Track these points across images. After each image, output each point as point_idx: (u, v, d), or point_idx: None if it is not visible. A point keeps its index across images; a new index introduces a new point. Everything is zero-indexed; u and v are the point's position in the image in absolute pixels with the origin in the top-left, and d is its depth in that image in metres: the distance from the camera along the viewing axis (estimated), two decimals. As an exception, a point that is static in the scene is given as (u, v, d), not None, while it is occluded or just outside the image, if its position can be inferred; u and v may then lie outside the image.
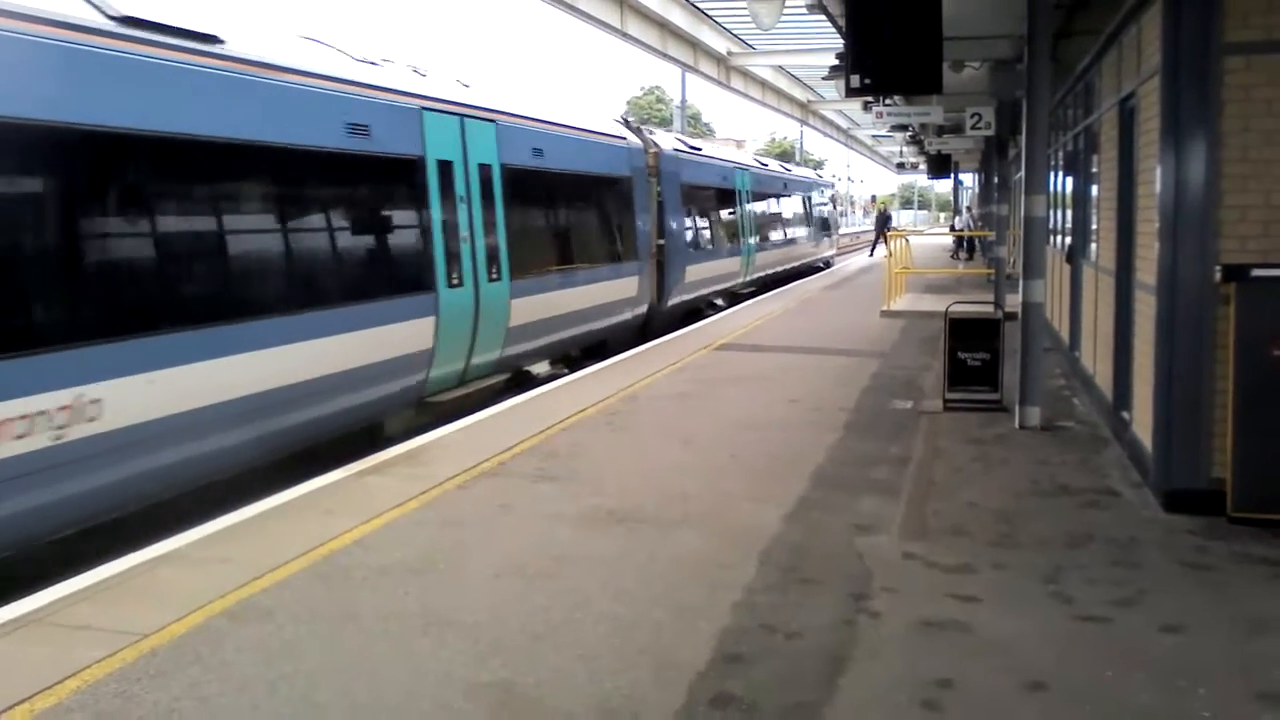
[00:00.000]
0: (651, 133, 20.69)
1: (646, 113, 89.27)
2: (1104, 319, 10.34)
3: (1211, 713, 4.54)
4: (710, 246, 23.58)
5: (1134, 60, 8.87)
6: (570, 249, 15.54)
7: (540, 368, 15.38)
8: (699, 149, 23.90)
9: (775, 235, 31.41)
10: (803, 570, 6.29)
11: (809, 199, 37.61)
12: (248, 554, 6.62)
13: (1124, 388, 9.21)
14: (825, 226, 40.99)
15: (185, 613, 5.66)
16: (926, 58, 8.92)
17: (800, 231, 35.35)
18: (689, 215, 21.67)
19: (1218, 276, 7.08)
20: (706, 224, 23.63)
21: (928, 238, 53.96)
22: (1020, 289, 10.64)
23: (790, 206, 34.40)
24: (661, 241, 19.25)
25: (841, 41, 9.94)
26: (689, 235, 21.55)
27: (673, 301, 20.24)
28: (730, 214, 25.92)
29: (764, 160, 33.92)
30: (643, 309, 18.36)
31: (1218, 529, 6.90)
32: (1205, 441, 7.20)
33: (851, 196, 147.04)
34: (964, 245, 40.33)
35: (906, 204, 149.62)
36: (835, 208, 47.80)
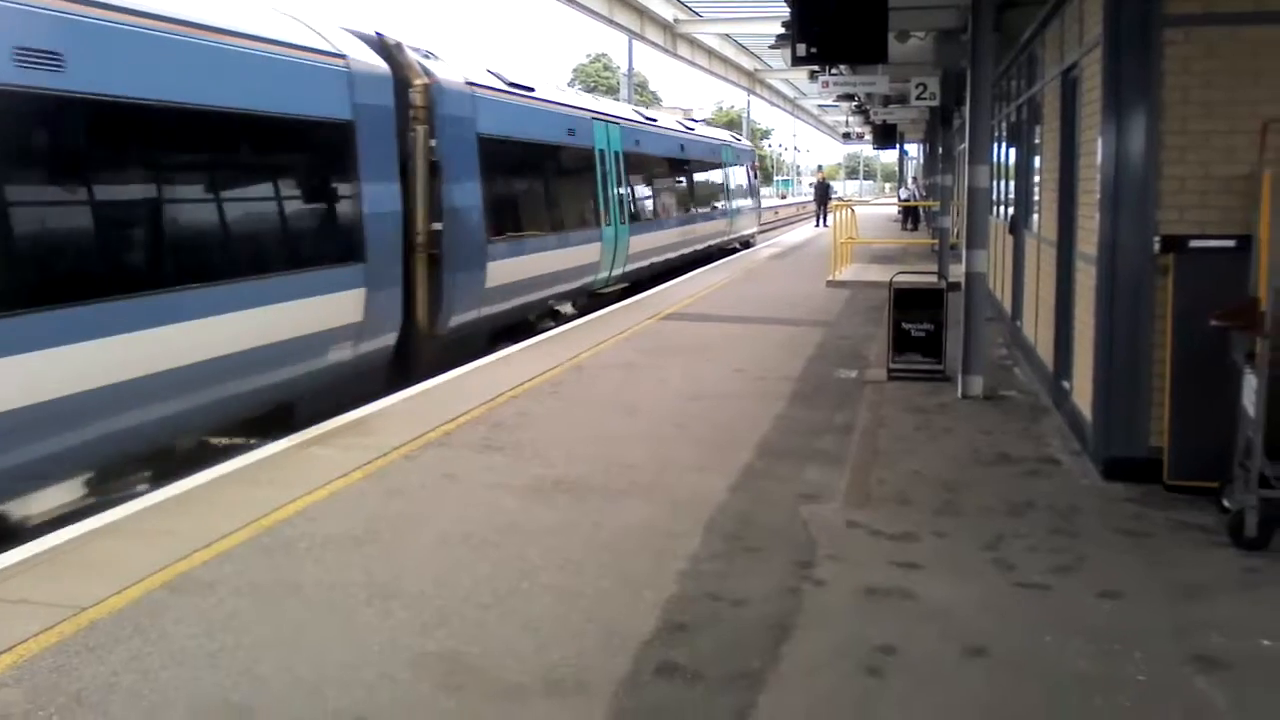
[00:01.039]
0: (428, 56, 13.11)
1: (594, 80, 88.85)
2: (1045, 289, 10.46)
3: (1146, 676, 4.62)
4: (542, 231, 16.30)
5: (1076, 32, 8.93)
6: (165, 251, 8.45)
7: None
8: (528, 89, 16.44)
9: (664, 213, 24.20)
10: (748, 539, 6.32)
11: (720, 165, 31.28)
12: (189, 526, 6.53)
13: (1064, 357, 9.33)
14: (744, 199, 34.73)
15: (125, 585, 5.58)
16: (872, 27, 8.96)
17: (706, 207, 28.74)
18: (497, 185, 14.51)
19: (1156, 247, 7.16)
20: (536, 198, 16.85)
21: (874, 208, 54.30)
22: (964, 259, 10.73)
23: (691, 174, 27.44)
24: (438, 226, 12.29)
25: (788, 10, 9.92)
26: (495, 216, 14.21)
27: (460, 320, 13.09)
28: (584, 184, 18.94)
29: (649, 115, 26.18)
30: (383, 340, 11.39)
31: (1155, 497, 7.02)
32: (1143, 411, 7.31)
33: (798, 166, 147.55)
34: (909, 216, 40.64)
35: (852, 174, 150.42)
36: (756, 176, 39.24)
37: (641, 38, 26.83)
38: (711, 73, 34.36)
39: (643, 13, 25.43)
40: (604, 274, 19.57)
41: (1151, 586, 5.62)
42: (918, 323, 11.30)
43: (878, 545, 6.25)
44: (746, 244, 35.09)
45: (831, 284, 20.67)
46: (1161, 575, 5.78)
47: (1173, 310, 7.01)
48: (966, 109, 11.12)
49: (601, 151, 19.54)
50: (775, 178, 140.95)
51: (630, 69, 47.54)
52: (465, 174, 13.28)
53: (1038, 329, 11.07)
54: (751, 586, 5.61)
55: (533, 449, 8.38)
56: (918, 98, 19.34)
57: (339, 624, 5.16)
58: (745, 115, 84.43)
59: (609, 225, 19.55)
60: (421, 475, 7.70)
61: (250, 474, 7.74)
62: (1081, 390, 8.29)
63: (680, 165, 26.21)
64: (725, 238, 31.11)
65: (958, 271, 11.97)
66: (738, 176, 33.61)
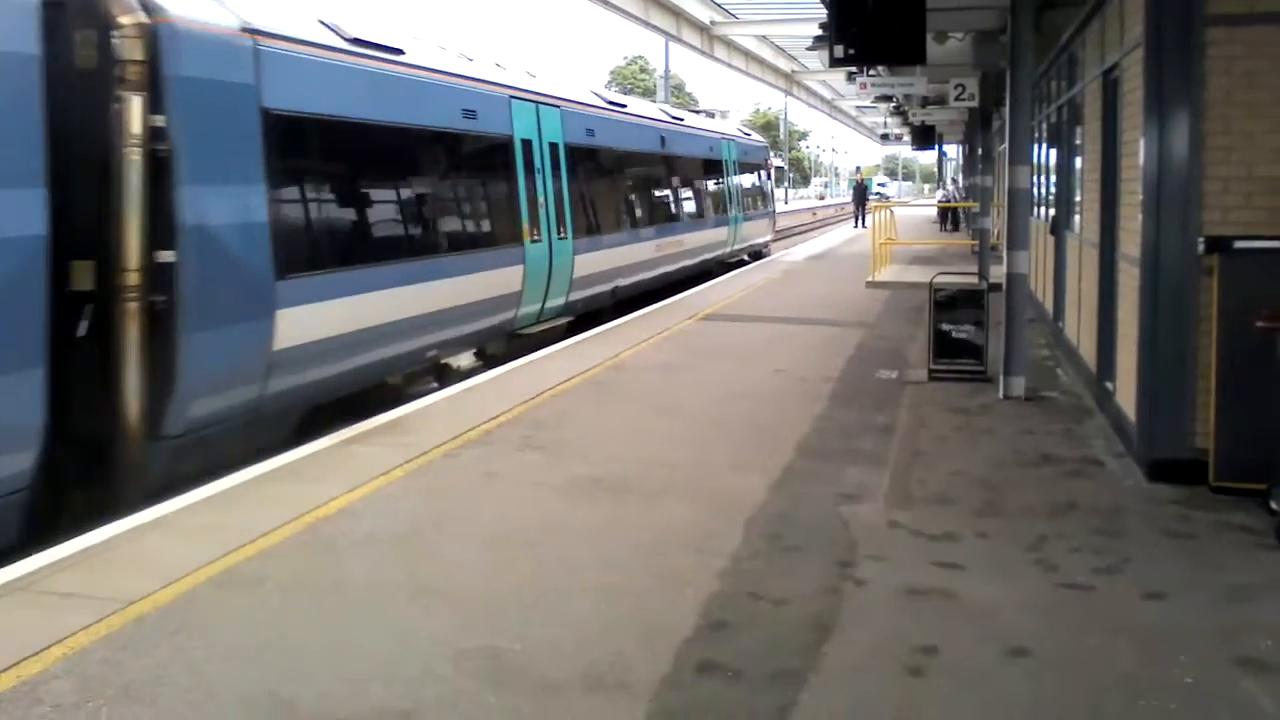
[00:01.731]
0: None
1: (630, 83, 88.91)
2: (1088, 290, 10.39)
3: (1193, 678, 4.59)
4: (398, 255, 11.09)
5: (1117, 32, 8.87)
6: None
7: None
8: (388, 51, 11.33)
9: (632, 222, 19.21)
10: (788, 538, 6.32)
11: (720, 164, 26.02)
12: (234, 522, 6.61)
13: (1107, 358, 9.26)
14: (755, 204, 29.80)
15: (172, 580, 5.66)
16: (910, 28, 8.92)
17: (698, 214, 23.66)
18: (306, 189, 9.92)
19: (1200, 248, 7.11)
20: (389, 208, 11.58)
21: (913, 209, 54.07)
22: (1004, 260, 10.67)
23: (677, 174, 22.47)
24: (169, 256, 7.75)
25: (825, 11, 9.90)
26: (296, 237, 9.52)
27: (216, 408, 8.37)
28: (491, 187, 13.76)
29: (615, 100, 20.48)
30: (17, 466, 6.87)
31: (1200, 498, 6.96)
32: (1188, 412, 7.25)
33: (836, 167, 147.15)
34: (947, 217, 40.42)
35: (891, 174, 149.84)
36: (770, 177, 33.60)
37: (678, 39, 26.81)
38: (748, 74, 34.27)
39: (679, 14, 25.42)
40: (530, 307, 14.21)
41: (1197, 588, 5.58)
42: (958, 324, 11.25)
43: (919, 545, 6.24)
44: (758, 255, 30.50)
45: (871, 285, 20.60)
46: (1207, 577, 5.73)
47: (1218, 311, 6.95)
48: (1006, 110, 11.05)
49: (527, 143, 14.29)
50: (813, 179, 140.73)
51: (667, 71, 47.64)
52: (229, 172, 8.55)
53: (1080, 330, 10.99)
54: (792, 585, 5.61)
55: (573, 448, 8.41)
56: (956, 99, 19.20)
57: (382, 620, 5.21)
58: (782, 117, 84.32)
59: (536, 241, 14.15)
60: (462, 474, 7.74)
61: (293, 471, 7.81)
62: (1125, 391, 8.23)
63: (661, 163, 21.35)
64: (727, 249, 26.31)
65: (998, 272, 11.90)
66: (745, 177, 28.70)
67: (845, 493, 7.23)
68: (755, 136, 34.69)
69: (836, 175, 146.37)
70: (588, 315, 16.52)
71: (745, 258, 29.00)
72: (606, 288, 17.47)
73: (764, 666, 4.71)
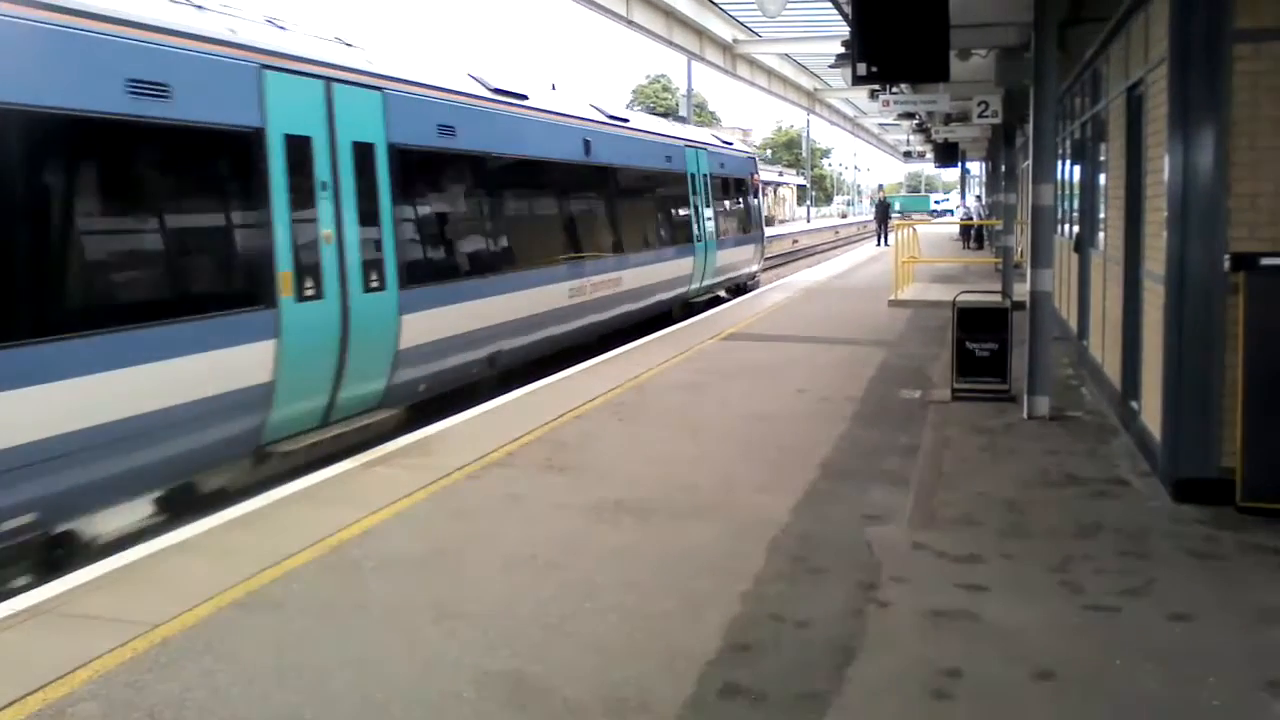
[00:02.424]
0: None
1: (652, 101, 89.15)
2: (1112, 308, 10.33)
3: (1221, 701, 4.54)
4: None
5: (1142, 48, 8.84)
6: None
7: None
8: None
9: (516, 258, 13.53)
10: (812, 560, 6.30)
11: (684, 178, 20.98)
12: (257, 544, 6.64)
13: (1132, 377, 9.20)
14: (736, 228, 24.63)
15: (196, 603, 5.68)
16: (933, 46, 8.91)
17: (643, 243, 18.48)
18: None
19: (1226, 265, 7.06)
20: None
21: (935, 226, 53.98)
22: (1028, 278, 10.62)
23: (615, 191, 17.48)
24: None
25: (848, 29, 9.91)
26: None
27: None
28: (204, 214, 8.66)
29: (510, 91, 14.06)
30: None
31: (1226, 518, 6.90)
32: (1214, 431, 7.19)
33: (859, 185, 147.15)
34: (970, 234, 40.33)
35: (914, 191, 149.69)
36: (759, 195, 27.82)
37: (701, 58, 26.87)
38: (771, 92, 34.31)
39: (701, 33, 25.48)
40: (298, 406, 9.17)
41: (1224, 610, 5.52)
42: (982, 342, 11.20)
43: (943, 567, 6.20)
44: (740, 289, 25.53)
45: (893, 304, 20.55)
46: (1234, 598, 5.67)
47: (1244, 328, 6.90)
48: (1030, 127, 11.03)
49: (298, 142, 9.20)
50: (835, 196, 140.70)
51: (690, 89, 47.70)
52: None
53: (1104, 348, 10.93)
54: (815, 608, 5.58)
55: (596, 470, 8.41)
56: (980, 116, 19.21)
57: (405, 643, 5.21)
58: (805, 134, 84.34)
59: (310, 299, 9.14)
60: (485, 495, 7.75)
61: (315, 494, 7.84)
62: (1150, 410, 8.17)
63: (586, 176, 16.24)
64: (693, 285, 21.30)
65: (1022, 290, 11.85)
66: (723, 195, 23.73)
67: (869, 514, 7.20)
68: (738, 145, 28.46)
69: (859, 193, 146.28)
70: (453, 393, 11.87)
71: (722, 294, 24.20)
72: (476, 355, 12.24)
73: (787, 690, 4.69)
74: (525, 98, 14.33)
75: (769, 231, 66.43)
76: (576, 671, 4.88)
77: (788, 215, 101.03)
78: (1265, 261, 6.92)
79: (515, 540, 6.71)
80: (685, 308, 21.02)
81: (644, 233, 18.82)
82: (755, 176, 27.53)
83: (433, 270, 11.43)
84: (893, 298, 20.98)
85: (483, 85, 13.34)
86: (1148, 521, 6.96)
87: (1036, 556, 6.33)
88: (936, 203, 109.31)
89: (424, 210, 11.60)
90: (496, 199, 13.34)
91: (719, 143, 25.28)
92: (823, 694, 4.64)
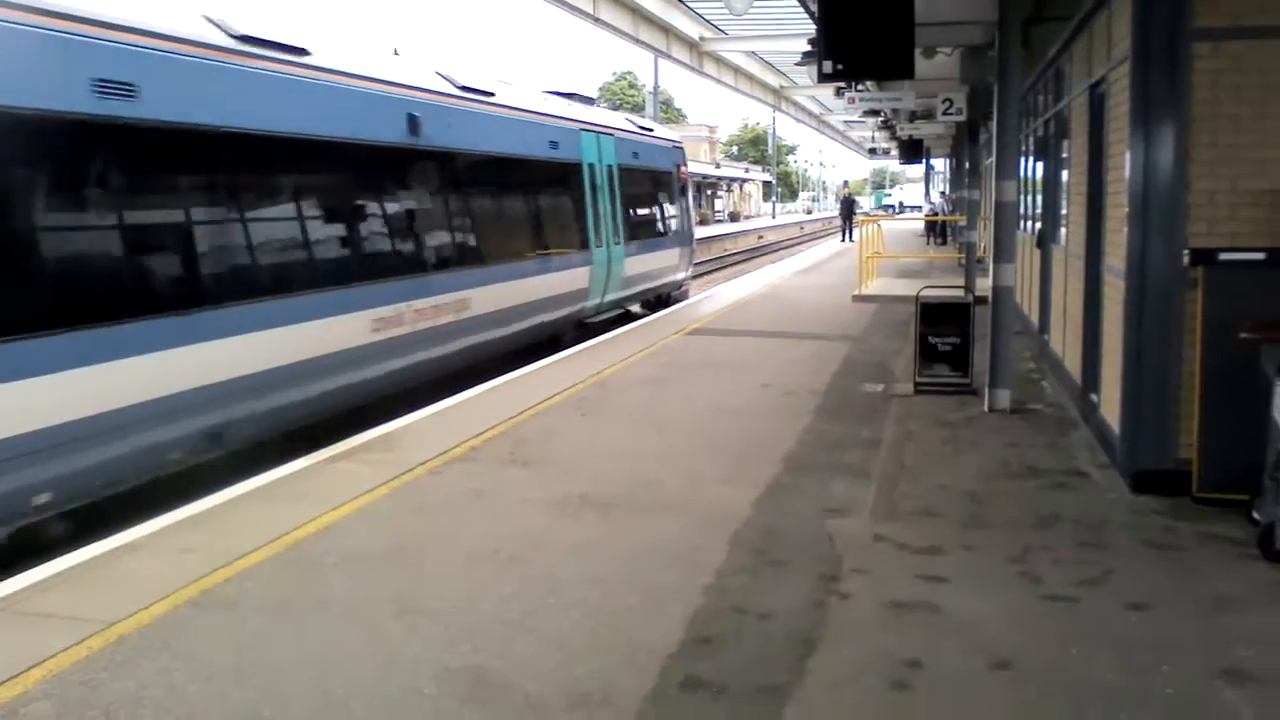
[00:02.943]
0: None
1: (619, 99, 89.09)
2: (1073, 303, 10.41)
3: (1175, 689, 4.59)
4: None
5: (1104, 46, 8.90)
6: None
7: None
8: None
9: (291, 284, 9.90)
10: (774, 553, 6.31)
11: (578, 168, 17.41)
12: (215, 542, 6.58)
13: (1092, 371, 9.28)
14: (654, 230, 21.30)
15: (152, 601, 5.62)
16: (898, 44, 8.94)
17: (509, 250, 14.83)
18: None
19: (1185, 260, 7.13)
20: None
21: (899, 222, 54.22)
22: (990, 273, 10.69)
23: (461, 187, 13.70)
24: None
25: (814, 27, 9.93)
26: None
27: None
28: None
29: (285, 45, 10.18)
30: None
31: (1183, 509, 6.96)
32: (1172, 423, 7.26)
33: (824, 182, 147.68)
34: (934, 230, 40.55)
35: (879, 187, 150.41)
36: (685, 192, 23.81)
37: (667, 56, 26.84)
38: (737, 90, 34.31)
39: (668, 31, 25.45)
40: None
41: (1180, 599, 5.58)
42: (944, 336, 11.26)
43: (904, 559, 6.23)
44: (664, 300, 22.05)
45: (857, 298, 20.63)
46: (1190, 588, 5.73)
47: (1202, 323, 6.96)
48: (994, 124, 11.09)
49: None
50: (801, 193, 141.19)
51: (656, 86, 47.75)
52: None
53: (1065, 342, 11.01)
54: (777, 600, 5.59)
55: (559, 465, 8.39)
56: (944, 113, 19.29)
57: (365, 640, 5.18)
58: (771, 131, 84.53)
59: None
60: (447, 491, 7.72)
61: (276, 490, 7.78)
62: (1109, 403, 8.24)
63: (411, 164, 12.42)
64: (591, 301, 17.71)
65: (985, 285, 11.91)
66: (637, 191, 20.13)
67: (831, 507, 7.22)
68: (660, 131, 23.98)
69: (824, 189, 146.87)
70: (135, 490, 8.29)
71: (637, 308, 20.99)
72: (182, 431, 8.55)
73: (748, 682, 4.69)
74: (305, 53, 10.43)
75: (735, 228, 65.78)
76: (538, 667, 4.87)
77: (754, 211, 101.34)
78: (1223, 257, 6.99)
79: (478, 536, 6.69)
80: (579, 328, 17.26)
81: (510, 239, 14.97)
82: (683, 169, 23.21)
83: (100, 308, 7.81)
84: (857, 292, 21.06)
85: (229, 34, 9.47)
86: (1106, 513, 7.02)
87: (996, 547, 6.37)
88: (886, 195, 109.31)
89: (96, 217, 8.08)
90: (249, 191, 9.69)
91: (634, 128, 21.26)
92: (783, 686, 4.65)
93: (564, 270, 16.37)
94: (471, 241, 13.72)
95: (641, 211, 20.38)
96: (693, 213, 22.06)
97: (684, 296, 22.91)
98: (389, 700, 4.57)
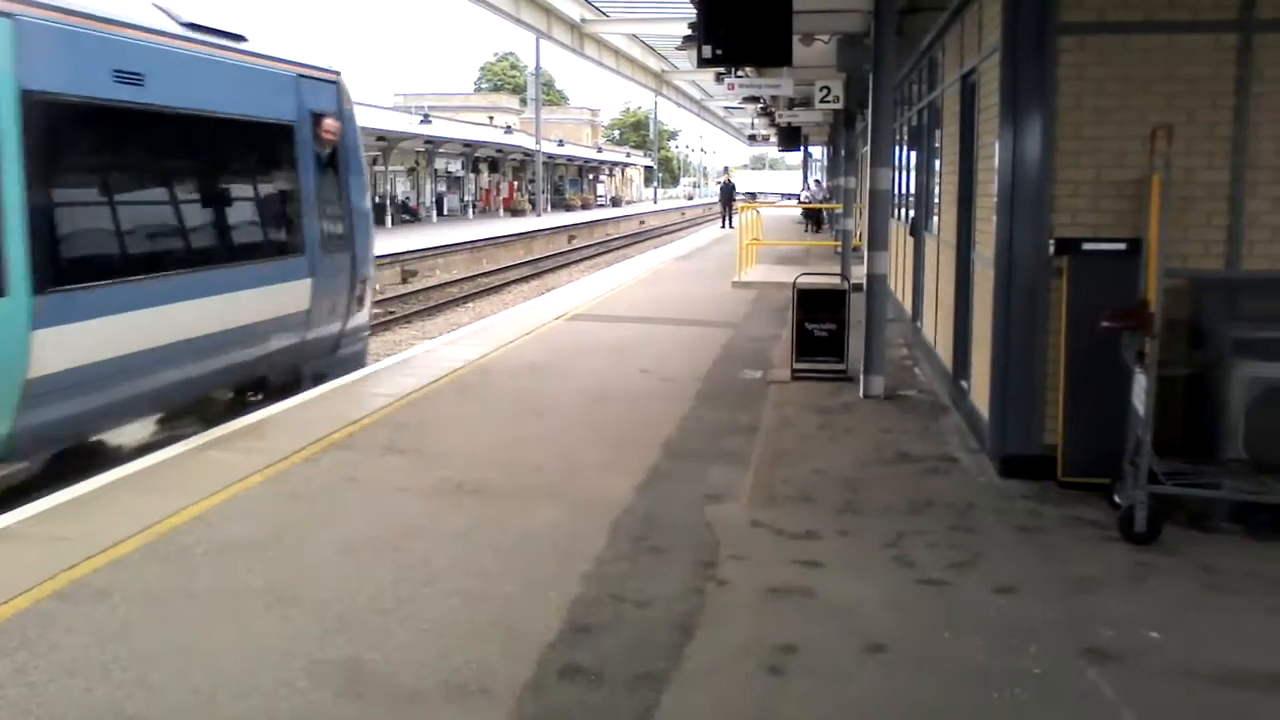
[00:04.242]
0: None
1: (500, 79, 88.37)
2: (945, 290, 10.63)
3: (1042, 670, 4.72)
4: None
5: (975, 37, 9.09)
6: None
7: None
8: None
9: None
10: (653, 540, 6.33)
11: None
12: (83, 532, 6.36)
13: (963, 357, 9.50)
14: (262, 245, 10.56)
15: (11, 595, 5.41)
16: (777, 30, 9.02)
17: None
18: None
19: (1051, 250, 7.33)
20: None
21: (780, 210, 54.80)
22: (865, 261, 10.86)
23: None
24: None
25: (694, 11, 9.97)
26: None
27: None
28: None
29: None
30: None
31: (1049, 493, 7.17)
32: (1038, 409, 7.47)
33: (704, 167, 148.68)
34: (811, 218, 41.10)
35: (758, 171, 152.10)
36: (347, 165, 12.06)
37: (549, 37, 26.70)
38: (619, 73, 34.28)
39: (550, 11, 25.32)
40: None
41: (1046, 581, 5.74)
42: (821, 323, 11.42)
43: (780, 544, 6.30)
44: (288, 382, 11.22)
45: (737, 285, 20.81)
46: (1055, 570, 5.91)
47: (1066, 311, 7.16)
48: (869, 112, 11.26)
49: None
50: (682, 178, 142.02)
51: (538, 68, 47.45)
52: None
53: (937, 329, 11.25)
54: (655, 587, 5.61)
55: (437, 451, 8.30)
56: (821, 101, 19.55)
57: (236, 631, 5.06)
58: (653, 116, 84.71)
59: None
60: (323, 479, 7.58)
61: (146, 479, 7.55)
62: (979, 390, 8.44)
63: None
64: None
65: (860, 273, 12.11)
66: (203, 160, 9.86)
67: (710, 493, 7.28)
68: (269, 48, 10.90)
69: (705, 175, 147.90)
70: None
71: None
72: None
73: (626, 669, 4.70)
74: None
75: (618, 213, 64.71)
76: (415, 657, 4.81)
77: (635, 196, 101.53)
78: (1086, 246, 7.21)
79: (354, 524, 6.58)
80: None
81: None
82: (329, 122, 11.66)
83: None
84: (736, 279, 21.25)
85: None
86: (975, 497, 7.19)
87: (871, 533, 6.49)
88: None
89: None
90: None
91: (173, 25, 9.42)
92: (661, 672, 4.67)
93: None
94: None
95: (169, 206, 9.51)
96: (367, 203, 13.05)
97: (355, 362, 12.61)
98: (259, 694, 4.47)
